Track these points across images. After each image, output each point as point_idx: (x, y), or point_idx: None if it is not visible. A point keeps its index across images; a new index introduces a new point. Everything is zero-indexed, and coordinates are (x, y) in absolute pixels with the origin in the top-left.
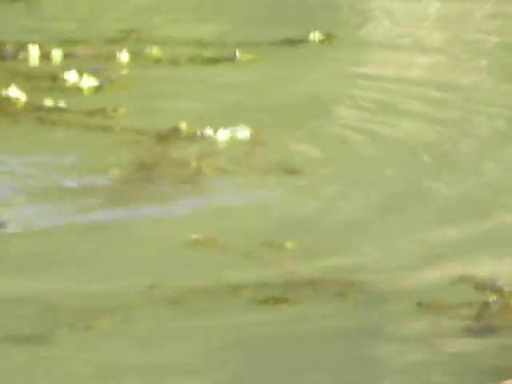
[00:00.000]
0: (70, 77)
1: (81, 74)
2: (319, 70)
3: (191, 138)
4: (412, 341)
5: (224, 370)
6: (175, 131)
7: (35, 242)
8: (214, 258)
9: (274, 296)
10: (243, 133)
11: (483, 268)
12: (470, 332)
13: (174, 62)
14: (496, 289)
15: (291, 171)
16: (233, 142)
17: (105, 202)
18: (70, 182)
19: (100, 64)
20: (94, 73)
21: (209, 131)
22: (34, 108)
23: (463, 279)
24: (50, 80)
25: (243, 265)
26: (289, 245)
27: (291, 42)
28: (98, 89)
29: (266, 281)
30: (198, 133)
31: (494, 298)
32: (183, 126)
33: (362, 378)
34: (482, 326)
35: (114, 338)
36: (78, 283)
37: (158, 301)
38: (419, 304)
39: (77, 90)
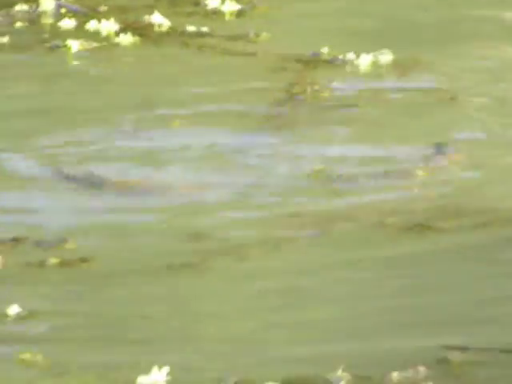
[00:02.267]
0: (213, 1)
1: None
2: None
3: (333, 62)
4: None
5: (373, 301)
6: (317, 56)
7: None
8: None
9: (418, 223)
10: (386, 57)
11: None
12: None
13: None
14: None
15: (440, 99)
16: (375, 66)
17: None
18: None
19: None
20: None
21: (351, 55)
22: (177, 33)
23: None
24: (193, 5)
25: (381, 191)
26: (420, 172)
27: None
28: (239, 13)
29: (407, 208)
30: (340, 57)
31: None
32: (325, 50)
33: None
34: None
35: (266, 266)
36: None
37: (305, 229)
38: None
39: (219, 14)
